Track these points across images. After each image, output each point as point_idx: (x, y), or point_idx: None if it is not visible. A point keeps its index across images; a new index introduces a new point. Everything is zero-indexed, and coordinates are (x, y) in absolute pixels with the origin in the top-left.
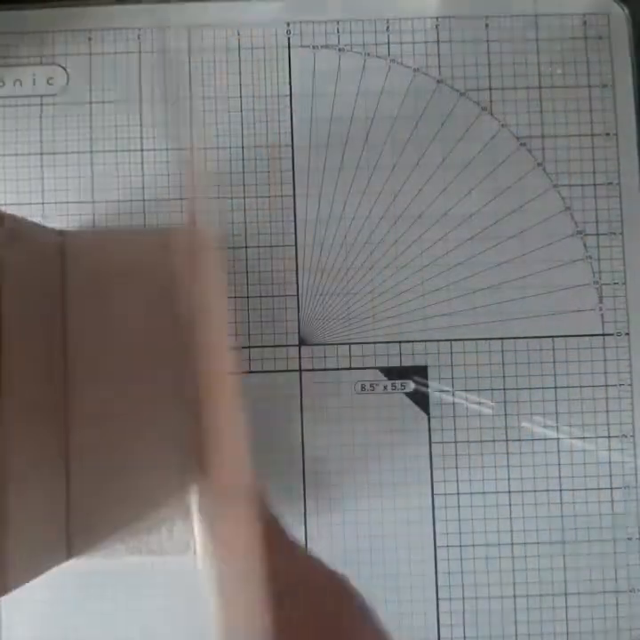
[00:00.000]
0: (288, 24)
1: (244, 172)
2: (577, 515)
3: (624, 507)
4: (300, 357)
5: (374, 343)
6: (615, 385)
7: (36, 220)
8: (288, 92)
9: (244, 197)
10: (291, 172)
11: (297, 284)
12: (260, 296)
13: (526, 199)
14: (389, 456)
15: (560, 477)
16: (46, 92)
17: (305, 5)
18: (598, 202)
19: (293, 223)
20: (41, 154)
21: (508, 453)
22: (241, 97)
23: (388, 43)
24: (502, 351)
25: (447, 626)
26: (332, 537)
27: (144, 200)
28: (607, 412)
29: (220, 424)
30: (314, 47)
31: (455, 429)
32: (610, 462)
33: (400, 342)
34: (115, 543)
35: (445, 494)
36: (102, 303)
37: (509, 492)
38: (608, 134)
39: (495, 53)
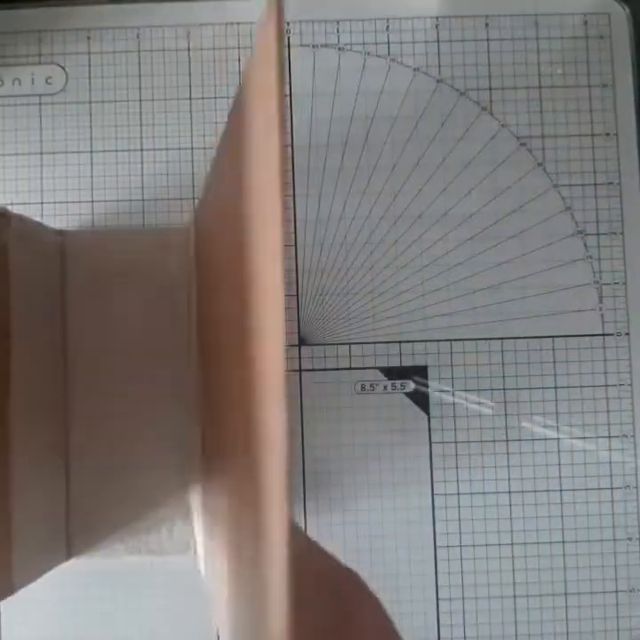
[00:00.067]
0: (288, 23)
1: None
2: (577, 515)
3: (624, 507)
4: (299, 357)
5: (374, 343)
6: (615, 385)
7: (36, 219)
8: (288, 92)
9: None
10: (291, 172)
11: (297, 283)
12: None
13: (526, 199)
14: (389, 456)
15: (560, 477)
16: (45, 91)
17: (305, 5)
18: (598, 202)
19: (293, 223)
20: (40, 154)
21: (508, 453)
22: None
23: (388, 42)
24: (502, 351)
25: (447, 626)
26: (332, 537)
27: (143, 200)
28: (607, 411)
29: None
30: (314, 47)
31: (455, 429)
32: (610, 462)
33: (400, 342)
34: (114, 543)
35: (445, 494)
36: (102, 303)
37: (509, 492)
38: (608, 134)
39: (495, 53)
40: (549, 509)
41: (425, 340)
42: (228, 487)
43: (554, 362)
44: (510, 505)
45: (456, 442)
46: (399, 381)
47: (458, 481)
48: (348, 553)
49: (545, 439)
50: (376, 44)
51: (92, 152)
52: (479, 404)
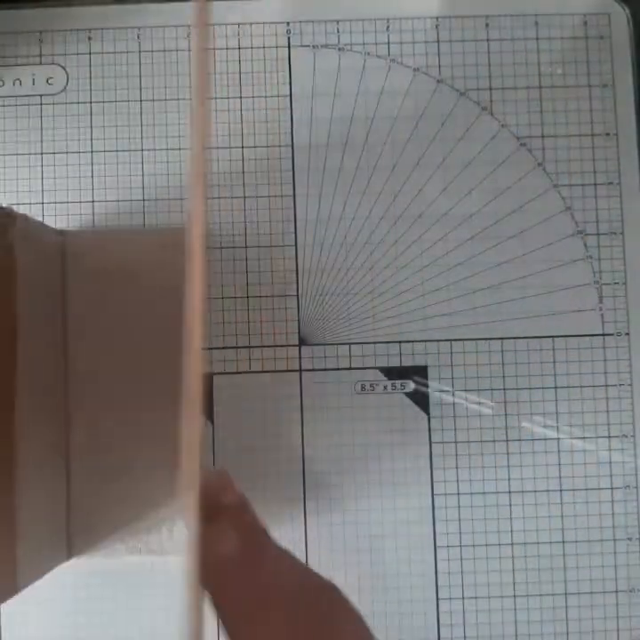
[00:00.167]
0: (288, 24)
1: (243, 172)
2: (577, 515)
3: (624, 507)
4: (300, 357)
5: (374, 343)
6: (615, 385)
7: (38, 219)
8: (288, 92)
9: (244, 197)
10: (291, 172)
11: (297, 283)
12: (260, 296)
13: (526, 199)
14: (389, 456)
15: (560, 477)
16: (46, 91)
17: (305, 5)
18: (598, 202)
19: (293, 223)
20: (41, 154)
21: (508, 453)
22: (241, 97)
23: (388, 43)
24: (502, 351)
25: (447, 626)
26: (332, 537)
27: (144, 200)
28: (607, 412)
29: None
30: (314, 47)
31: (455, 429)
32: (610, 462)
33: (400, 342)
34: (115, 543)
35: (445, 494)
36: (102, 303)
37: (509, 492)
38: (608, 134)
39: (495, 53)
40: (549, 509)
41: (425, 340)
42: None
43: (554, 362)
44: (510, 505)
45: (456, 442)
46: (399, 381)
47: (458, 481)
48: (347, 553)
49: (545, 439)
50: (376, 44)
51: (92, 152)
52: (479, 403)
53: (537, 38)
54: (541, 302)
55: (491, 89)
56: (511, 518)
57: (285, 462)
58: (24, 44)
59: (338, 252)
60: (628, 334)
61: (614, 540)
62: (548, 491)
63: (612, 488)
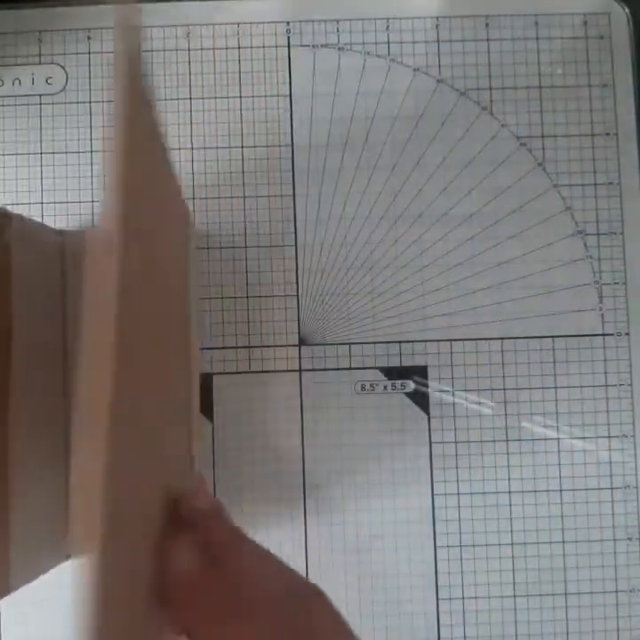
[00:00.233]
0: (288, 24)
1: (243, 172)
2: (577, 515)
3: (624, 507)
4: (300, 357)
5: (374, 343)
6: (615, 385)
7: (36, 220)
8: (288, 92)
9: (244, 197)
10: (291, 172)
11: (297, 283)
12: (260, 296)
13: (526, 199)
14: (389, 456)
15: (560, 477)
16: (45, 91)
17: (305, 5)
18: (598, 202)
19: (293, 223)
20: (40, 154)
21: (508, 453)
22: (241, 97)
23: (388, 42)
24: (502, 351)
25: (447, 626)
26: (332, 537)
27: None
28: (607, 412)
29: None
30: (314, 47)
31: (455, 429)
32: (610, 462)
33: (400, 342)
34: None
35: (445, 494)
36: None
37: (509, 492)
38: (608, 134)
39: (495, 53)
40: (549, 509)
41: (425, 340)
42: None
43: (554, 362)
44: (510, 505)
45: (456, 442)
46: (399, 381)
47: (458, 481)
48: (347, 553)
49: (545, 439)
50: (376, 43)
51: (92, 152)
52: (479, 403)
53: (537, 38)
54: (541, 302)
55: (491, 89)
56: (511, 518)
57: (285, 462)
58: (23, 43)
59: (338, 252)
60: (627, 334)
61: (614, 540)
62: (548, 491)
63: (611, 488)
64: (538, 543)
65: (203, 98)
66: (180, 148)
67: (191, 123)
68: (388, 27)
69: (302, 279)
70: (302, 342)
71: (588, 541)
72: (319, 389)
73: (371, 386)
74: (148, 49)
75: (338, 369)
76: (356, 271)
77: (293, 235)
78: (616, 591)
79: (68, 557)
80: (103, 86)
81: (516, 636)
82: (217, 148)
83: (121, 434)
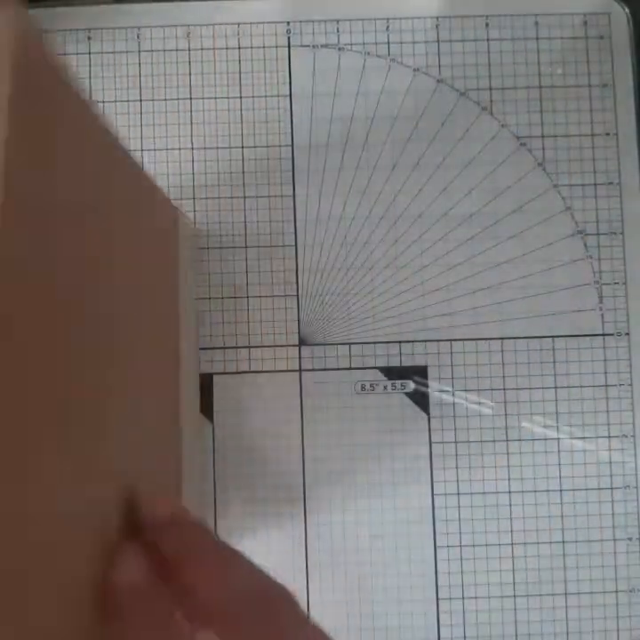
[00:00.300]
0: (288, 24)
1: (243, 172)
2: (577, 515)
3: (624, 507)
4: (300, 357)
5: (374, 343)
6: (615, 385)
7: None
8: (288, 92)
9: (244, 197)
10: (291, 172)
11: (297, 283)
12: (260, 296)
13: (526, 199)
14: (389, 456)
15: (560, 477)
16: None
17: (305, 5)
18: (598, 202)
19: (293, 223)
20: None
21: (508, 453)
22: (241, 97)
23: (388, 42)
24: (502, 351)
25: (447, 626)
26: (332, 537)
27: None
28: (607, 412)
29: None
30: (314, 47)
31: (455, 429)
32: (610, 462)
33: (400, 342)
34: None
35: (445, 494)
36: None
37: (509, 492)
38: (608, 134)
39: (495, 53)
40: (549, 509)
41: (425, 340)
42: None
43: (554, 362)
44: (510, 505)
45: (456, 442)
46: (399, 381)
47: (458, 481)
48: (348, 553)
49: (545, 439)
50: (376, 43)
51: None
52: (479, 403)
53: (537, 38)
54: (541, 302)
55: (491, 89)
56: (511, 518)
57: (285, 462)
58: None
59: (338, 252)
60: (628, 334)
61: (614, 540)
62: (548, 491)
63: (611, 488)
64: (538, 543)
65: (203, 98)
66: (180, 148)
67: (191, 123)
68: (388, 27)
69: (302, 279)
70: (302, 342)
71: (587, 541)
72: (319, 389)
73: (371, 386)
74: (147, 49)
75: (338, 369)
76: (356, 271)
77: (293, 235)
78: (616, 591)
79: None
80: (103, 86)
81: (516, 636)
82: (217, 148)
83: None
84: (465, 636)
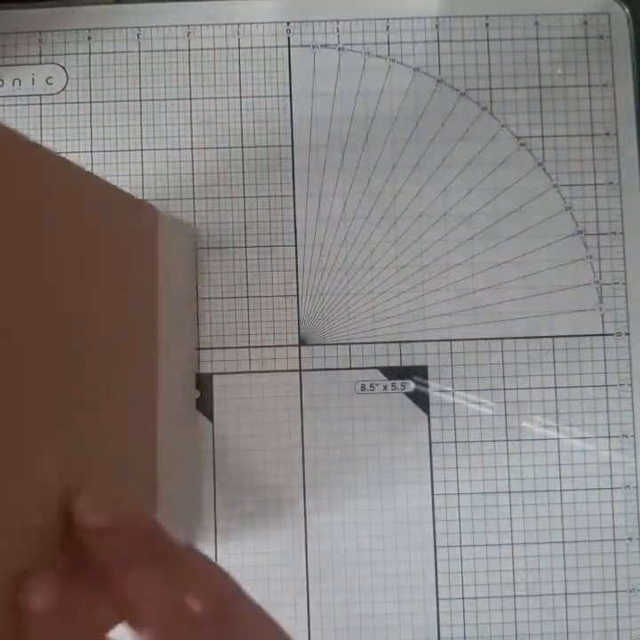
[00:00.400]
0: (288, 24)
1: (243, 172)
2: (577, 515)
3: (624, 507)
4: (300, 357)
5: (374, 343)
6: (615, 385)
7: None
8: (288, 92)
9: (244, 197)
10: (291, 172)
11: (297, 283)
12: (260, 296)
13: (526, 199)
14: (389, 456)
15: (560, 477)
16: (45, 91)
17: (305, 5)
18: (598, 202)
19: (293, 223)
20: None
21: (508, 453)
22: (241, 97)
23: (388, 42)
24: (502, 351)
25: (447, 626)
26: (332, 537)
27: (143, 200)
28: (607, 412)
29: None
30: (314, 47)
31: (455, 429)
32: (610, 462)
33: (400, 342)
34: None
35: (445, 494)
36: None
37: (509, 492)
38: (608, 134)
39: (495, 53)
40: (549, 509)
41: (425, 340)
42: None
43: (554, 362)
44: (510, 505)
45: (456, 442)
46: (399, 381)
47: (458, 481)
48: (348, 553)
49: (545, 439)
50: (376, 44)
51: (92, 152)
52: (479, 403)
53: (537, 38)
54: (541, 302)
55: (491, 89)
56: (511, 518)
57: (285, 462)
58: (24, 43)
59: (338, 252)
60: (628, 334)
61: (614, 540)
62: (548, 491)
63: (611, 488)
64: (538, 543)
65: (203, 98)
66: (180, 148)
67: (191, 123)
68: (388, 27)
69: (302, 279)
70: (302, 342)
71: (587, 541)
72: (319, 389)
73: (371, 386)
74: (147, 49)
75: (338, 369)
76: (356, 271)
77: (293, 235)
78: (616, 591)
79: None
80: (103, 86)
81: (516, 636)
82: (217, 148)
83: None
84: (465, 636)
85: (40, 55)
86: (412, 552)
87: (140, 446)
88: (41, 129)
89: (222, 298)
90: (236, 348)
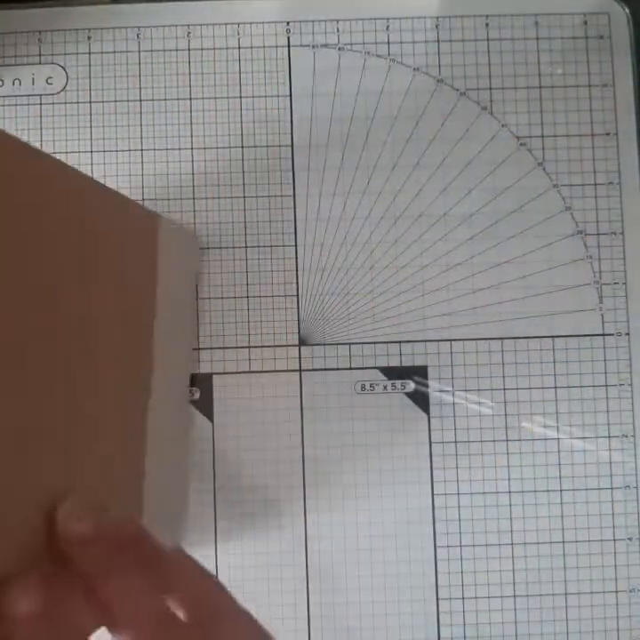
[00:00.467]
0: (288, 24)
1: (243, 172)
2: (577, 515)
3: (624, 507)
4: (300, 357)
5: (374, 343)
6: (615, 385)
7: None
8: (288, 92)
9: (244, 197)
10: (291, 172)
11: (297, 283)
12: (260, 296)
13: (526, 199)
14: (389, 456)
15: (560, 477)
16: (45, 91)
17: (305, 5)
18: (598, 202)
19: (293, 223)
20: None
21: (508, 453)
22: (241, 97)
23: (388, 42)
24: (502, 351)
25: (447, 626)
26: (332, 537)
27: (143, 200)
28: (607, 412)
29: None
30: (314, 47)
31: (455, 429)
32: (610, 462)
33: (400, 342)
34: None
35: (445, 494)
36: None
37: (509, 492)
38: (608, 134)
39: (495, 53)
40: (549, 509)
41: (425, 340)
42: None
43: (554, 362)
44: (510, 505)
45: (456, 442)
46: (399, 381)
47: (458, 481)
48: (348, 553)
49: (545, 439)
50: (376, 43)
51: (92, 152)
52: (479, 403)
53: (537, 38)
54: (541, 302)
55: (491, 89)
56: (511, 518)
57: (285, 462)
58: (24, 43)
59: (338, 252)
60: (628, 334)
61: (614, 540)
62: (548, 491)
63: (611, 488)
64: (538, 543)
65: (203, 98)
66: (180, 148)
67: (191, 123)
68: (388, 27)
69: (302, 279)
70: (302, 342)
71: (587, 541)
72: (319, 389)
73: (371, 386)
74: (147, 49)
75: (338, 369)
76: (356, 271)
77: (293, 235)
78: (616, 591)
79: None
80: (103, 86)
81: (516, 636)
82: (217, 148)
83: None
84: (465, 636)
85: (40, 55)
86: (412, 552)
87: (128, 446)
88: (41, 129)
89: (222, 298)
90: (236, 348)
